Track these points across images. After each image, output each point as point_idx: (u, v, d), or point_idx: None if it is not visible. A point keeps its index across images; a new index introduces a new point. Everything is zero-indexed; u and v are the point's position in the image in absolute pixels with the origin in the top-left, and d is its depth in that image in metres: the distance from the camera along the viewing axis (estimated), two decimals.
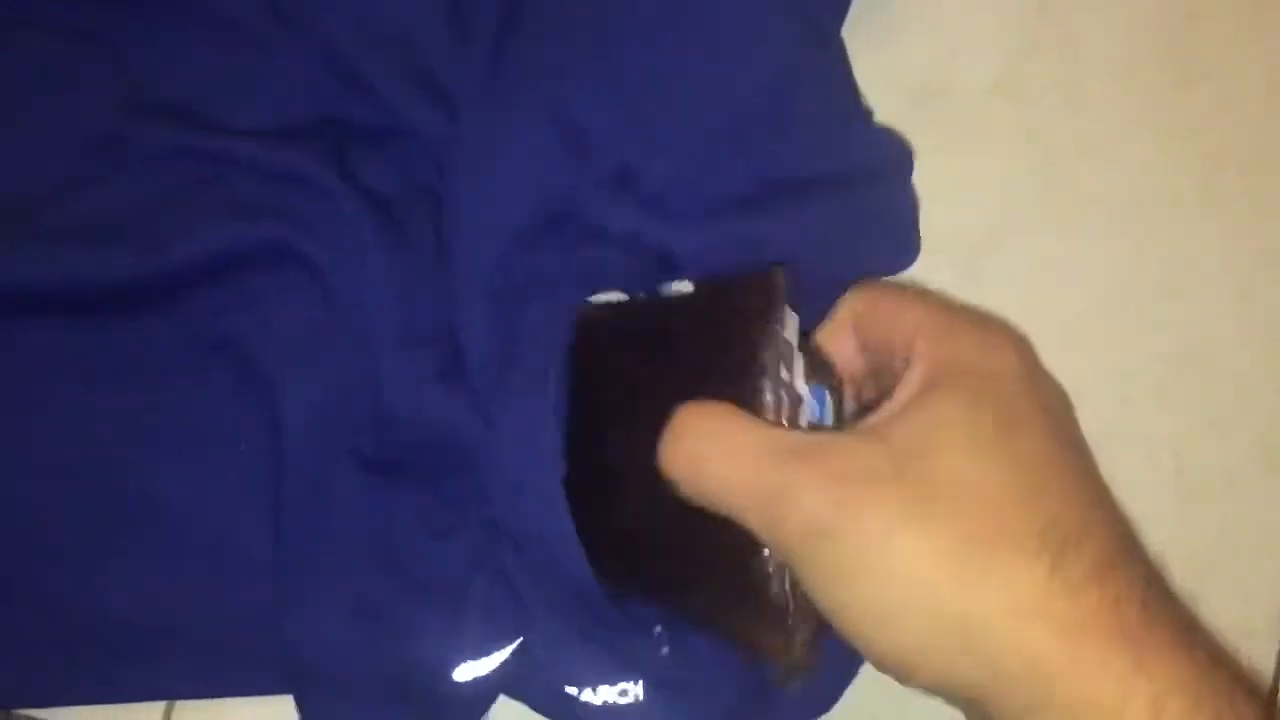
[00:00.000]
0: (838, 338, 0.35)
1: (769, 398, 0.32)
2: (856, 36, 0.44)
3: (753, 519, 0.30)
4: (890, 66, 0.44)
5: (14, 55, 0.40)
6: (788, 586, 0.31)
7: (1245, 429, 0.42)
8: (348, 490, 0.37)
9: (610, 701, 0.37)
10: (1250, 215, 0.44)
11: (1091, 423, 0.42)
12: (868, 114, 0.43)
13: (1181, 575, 0.40)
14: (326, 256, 0.38)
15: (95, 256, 0.38)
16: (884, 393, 0.33)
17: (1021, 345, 0.33)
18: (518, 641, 0.37)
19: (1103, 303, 0.43)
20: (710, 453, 0.31)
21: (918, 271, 0.43)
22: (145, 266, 0.38)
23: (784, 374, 0.33)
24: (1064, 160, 0.44)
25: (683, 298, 0.36)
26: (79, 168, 0.39)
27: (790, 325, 0.33)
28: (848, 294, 0.35)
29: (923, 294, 0.36)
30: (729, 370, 0.33)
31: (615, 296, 0.38)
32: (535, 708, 0.38)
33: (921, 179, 0.44)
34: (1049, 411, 0.32)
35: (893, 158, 0.41)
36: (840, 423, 0.35)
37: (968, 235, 0.43)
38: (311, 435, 0.37)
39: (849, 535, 0.29)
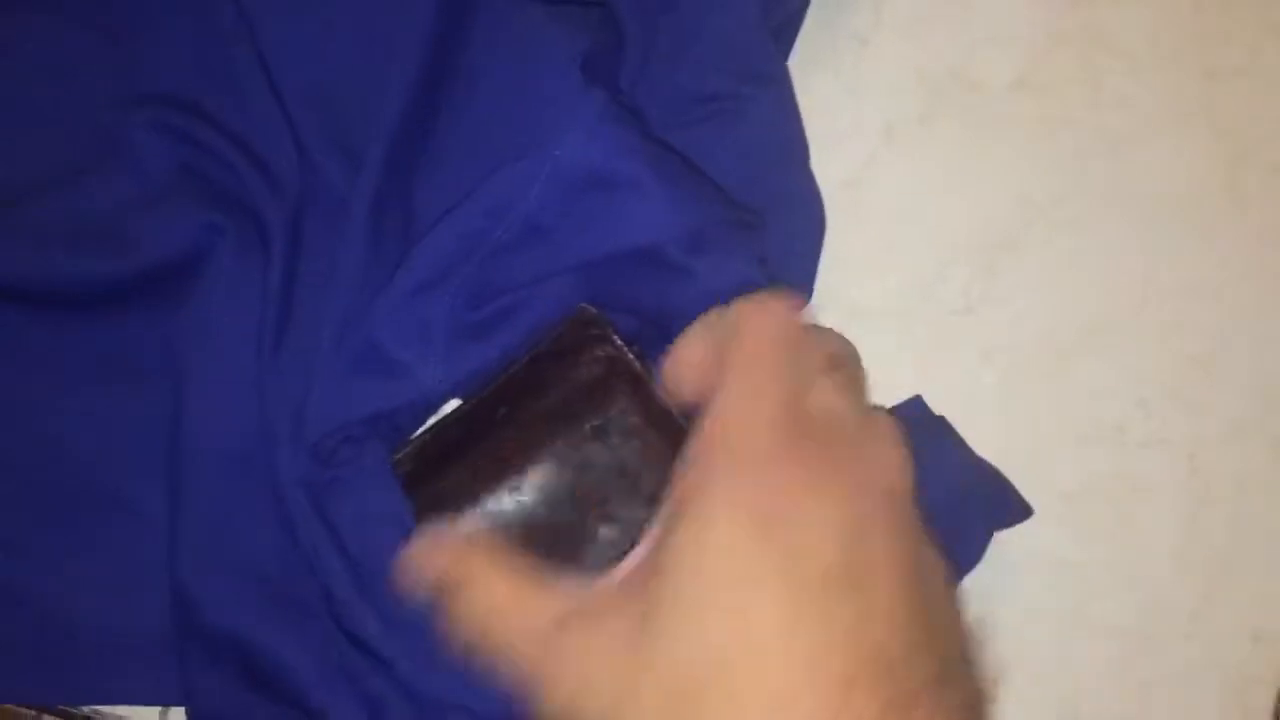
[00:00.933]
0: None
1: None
2: (880, 30, 0.44)
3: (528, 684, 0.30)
4: (913, 60, 0.44)
5: (19, 44, 0.40)
6: None
7: (1263, 432, 0.42)
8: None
9: None
10: (1275, 215, 0.43)
11: (1108, 423, 0.42)
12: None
13: (1196, 579, 0.41)
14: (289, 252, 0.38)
15: (73, 258, 0.38)
16: None
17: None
18: None
19: (1122, 301, 0.43)
20: (486, 631, 0.31)
21: (935, 267, 0.43)
22: (120, 268, 0.38)
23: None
24: (1087, 156, 0.44)
25: (510, 374, 0.37)
26: (73, 159, 0.39)
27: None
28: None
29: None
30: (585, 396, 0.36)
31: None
32: None
33: (942, 174, 0.43)
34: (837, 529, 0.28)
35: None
36: None
37: (987, 231, 0.43)
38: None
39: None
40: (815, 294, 0.42)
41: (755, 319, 0.32)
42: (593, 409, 0.36)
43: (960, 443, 0.40)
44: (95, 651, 0.37)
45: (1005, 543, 0.40)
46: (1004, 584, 0.40)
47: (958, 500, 0.38)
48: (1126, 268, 0.43)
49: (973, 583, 0.39)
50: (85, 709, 0.37)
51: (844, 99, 0.44)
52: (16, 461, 0.38)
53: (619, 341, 0.37)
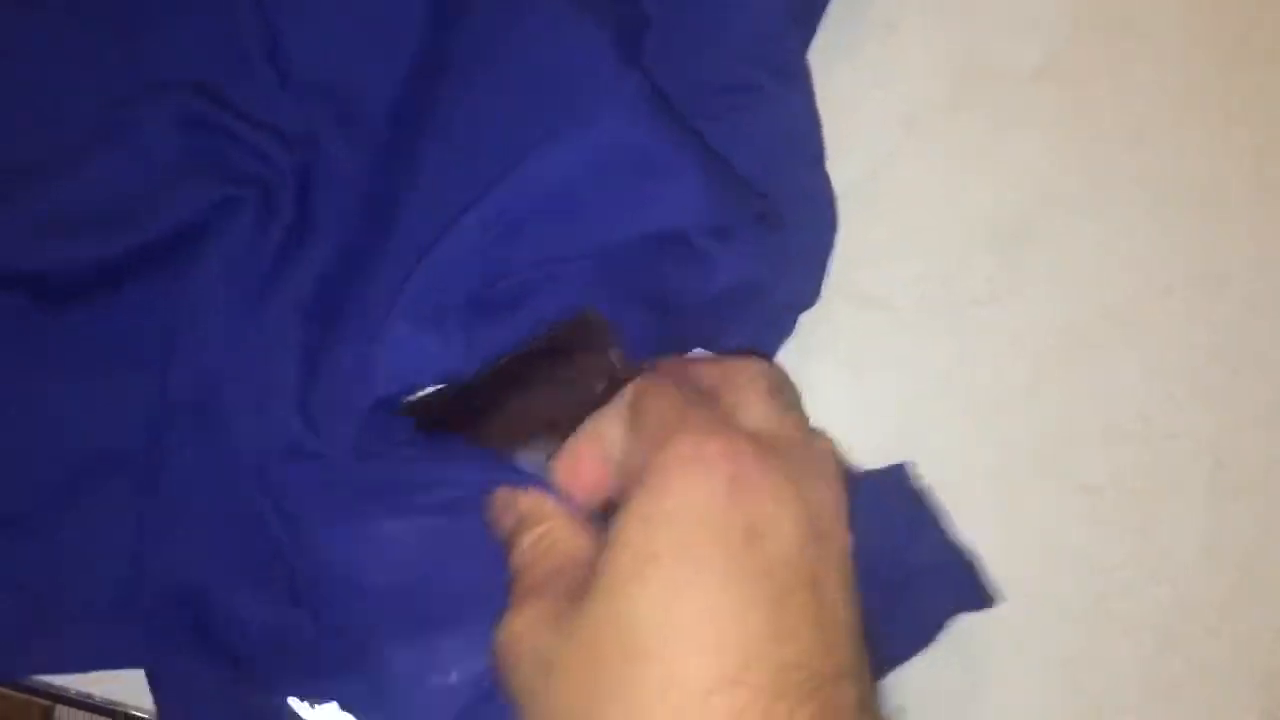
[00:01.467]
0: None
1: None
2: (904, 17, 0.43)
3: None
4: (935, 48, 0.43)
5: (29, 32, 0.40)
6: None
7: None
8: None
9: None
10: None
11: (1129, 415, 0.41)
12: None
13: (1224, 573, 0.40)
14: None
15: (73, 242, 0.37)
16: None
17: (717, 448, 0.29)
18: None
19: (1144, 291, 0.42)
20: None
21: (958, 256, 0.42)
22: (123, 246, 0.37)
23: None
24: (1109, 144, 0.43)
25: (509, 362, 0.36)
26: (78, 144, 0.38)
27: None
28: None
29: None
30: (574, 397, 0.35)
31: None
32: None
33: (964, 161, 0.43)
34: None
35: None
36: None
37: (1008, 219, 0.43)
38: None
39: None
40: (835, 284, 0.41)
41: (654, 383, 0.32)
42: (580, 418, 0.35)
43: (935, 519, 0.38)
44: (66, 619, 0.37)
45: (1032, 537, 0.39)
46: (1028, 579, 0.39)
47: (923, 584, 0.37)
48: (1152, 257, 0.42)
49: (996, 576, 0.39)
50: (98, 698, 0.37)
51: (867, 87, 0.43)
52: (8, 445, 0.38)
53: (622, 354, 0.36)
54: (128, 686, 0.37)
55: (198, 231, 0.37)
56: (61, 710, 0.38)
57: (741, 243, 0.37)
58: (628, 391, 0.32)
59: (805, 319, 0.41)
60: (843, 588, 0.29)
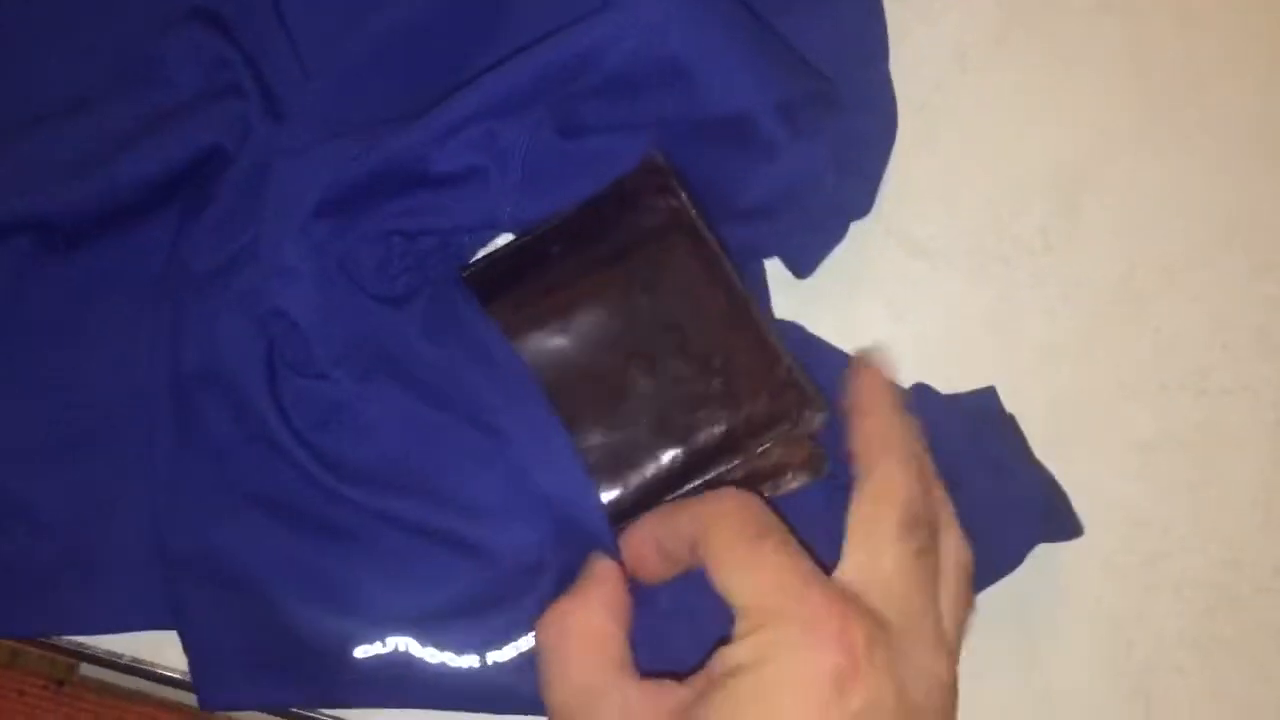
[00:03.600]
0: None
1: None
2: None
3: None
4: None
5: None
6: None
7: None
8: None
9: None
10: None
11: (1185, 369, 0.40)
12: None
13: (1274, 530, 0.39)
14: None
15: (65, 189, 0.36)
16: None
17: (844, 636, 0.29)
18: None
19: (1206, 240, 0.40)
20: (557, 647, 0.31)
21: (1010, 201, 0.40)
22: (147, 174, 0.36)
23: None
24: (1172, 83, 0.41)
25: (572, 213, 0.36)
26: (107, 82, 0.37)
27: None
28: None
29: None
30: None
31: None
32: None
33: (1020, 101, 0.41)
34: None
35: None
36: None
37: (1066, 161, 0.41)
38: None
39: None
40: (883, 228, 0.40)
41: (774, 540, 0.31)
42: (648, 260, 0.35)
43: (1024, 445, 0.38)
44: (93, 567, 0.36)
45: (1082, 493, 0.38)
46: (1079, 538, 0.38)
47: (1009, 504, 0.37)
48: (1212, 205, 0.41)
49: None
50: (126, 656, 0.36)
51: (913, 19, 0.41)
52: (28, 390, 0.37)
53: (684, 195, 0.36)
54: (153, 645, 0.36)
55: (220, 156, 0.37)
56: (86, 668, 0.37)
57: (805, 127, 0.36)
58: (692, 503, 0.32)
59: (852, 263, 0.40)
60: None
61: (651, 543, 0.33)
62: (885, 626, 0.29)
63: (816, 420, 0.34)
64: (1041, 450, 0.38)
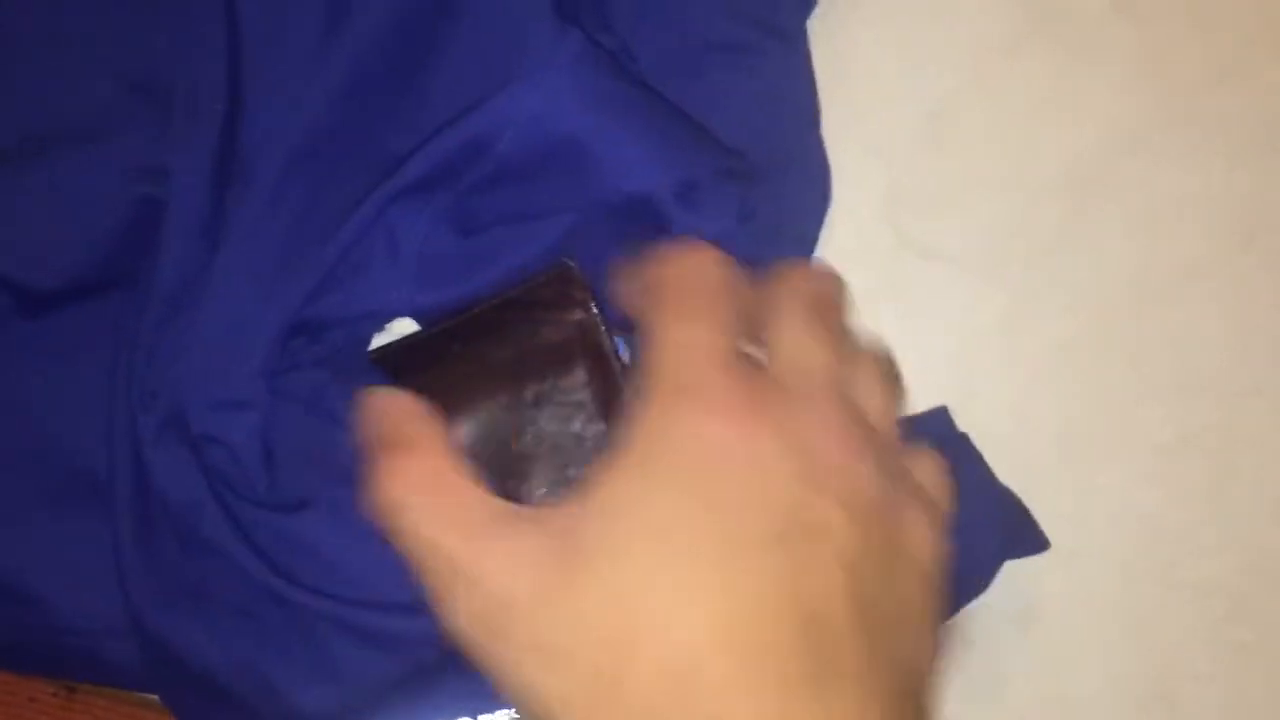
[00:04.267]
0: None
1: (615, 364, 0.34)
2: None
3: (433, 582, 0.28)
4: None
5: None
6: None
7: None
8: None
9: None
10: None
11: (1208, 374, 0.39)
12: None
13: None
14: None
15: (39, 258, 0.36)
16: None
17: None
18: None
19: (1222, 241, 0.40)
20: (410, 504, 0.28)
21: (1024, 204, 0.40)
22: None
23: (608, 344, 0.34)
24: (1187, 84, 0.41)
25: (478, 311, 0.35)
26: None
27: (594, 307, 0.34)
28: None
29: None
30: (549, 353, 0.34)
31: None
32: None
33: (1033, 104, 0.41)
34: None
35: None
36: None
37: (1081, 162, 0.40)
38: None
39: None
40: (895, 232, 0.40)
41: (690, 256, 0.30)
42: (547, 373, 0.34)
43: (980, 463, 0.37)
44: (72, 637, 0.36)
45: (1099, 499, 0.38)
46: (1096, 541, 0.38)
47: (972, 525, 0.35)
48: (1228, 205, 0.40)
49: (1061, 540, 0.38)
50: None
51: (927, 22, 0.41)
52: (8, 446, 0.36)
53: (593, 306, 0.35)
54: None
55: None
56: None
57: (706, 204, 0.35)
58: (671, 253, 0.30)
59: (864, 268, 0.39)
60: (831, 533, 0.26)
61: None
62: (783, 392, 0.28)
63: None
64: (1058, 454, 0.38)
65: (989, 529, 0.36)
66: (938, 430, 0.38)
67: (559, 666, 0.25)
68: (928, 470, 0.30)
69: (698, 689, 0.24)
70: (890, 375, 0.31)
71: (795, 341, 0.29)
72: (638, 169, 0.35)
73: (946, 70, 0.41)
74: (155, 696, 0.36)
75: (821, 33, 0.41)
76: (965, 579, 0.36)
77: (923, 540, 0.28)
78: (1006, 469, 0.37)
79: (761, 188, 0.37)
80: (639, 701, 0.25)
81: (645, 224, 0.35)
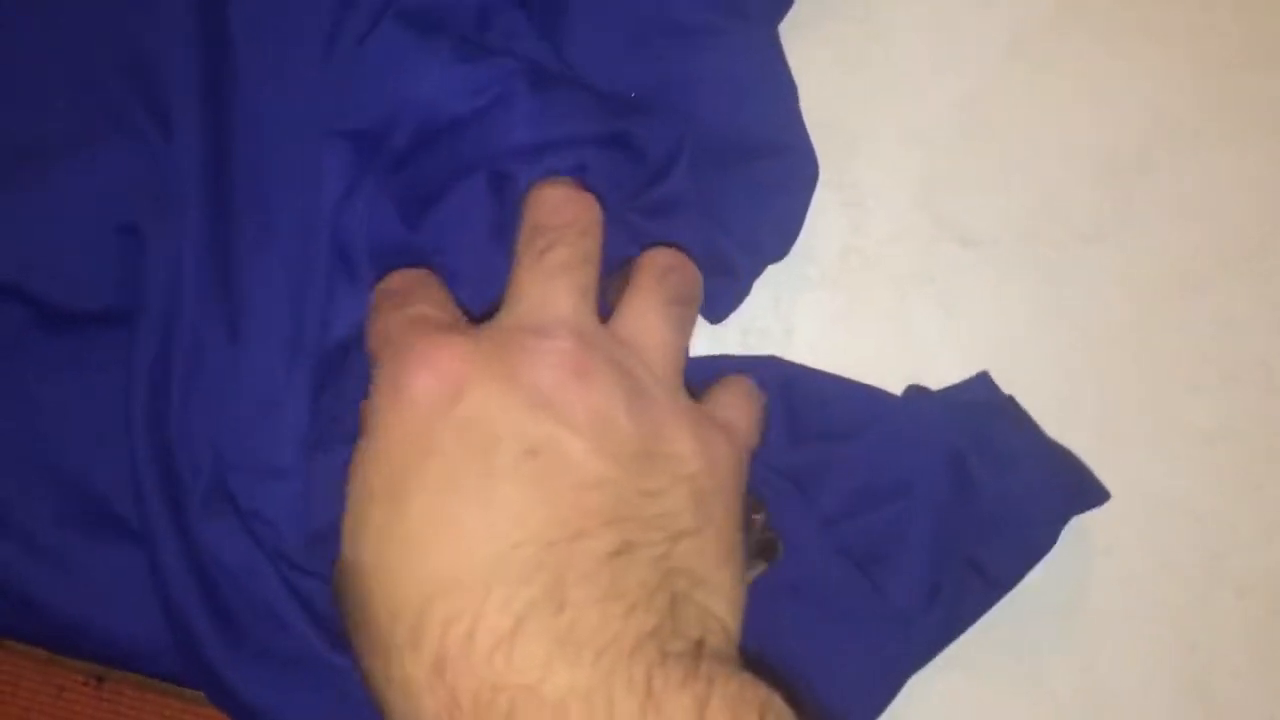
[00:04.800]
0: None
1: None
2: None
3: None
4: None
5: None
6: None
7: None
8: None
9: None
10: None
11: (1250, 362, 0.39)
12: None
13: None
14: None
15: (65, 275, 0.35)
16: None
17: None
18: None
19: (1268, 227, 0.39)
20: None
21: (1063, 189, 0.39)
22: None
23: None
24: (1229, 69, 0.40)
25: None
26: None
27: None
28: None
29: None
30: None
31: None
32: None
33: (1068, 87, 0.40)
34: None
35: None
36: None
37: (1119, 149, 0.40)
38: None
39: None
40: (931, 217, 0.39)
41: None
42: None
43: (1030, 423, 0.37)
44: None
45: (1139, 489, 0.37)
46: (1135, 534, 0.37)
47: (1026, 487, 0.36)
48: (1271, 192, 0.40)
49: (1101, 532, 0.37)
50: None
51: (967, 5, 0.40)
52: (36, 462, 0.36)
53: None
54: None
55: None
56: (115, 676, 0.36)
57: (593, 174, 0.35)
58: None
59: (899, 255, 0.39)
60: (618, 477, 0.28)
61: None
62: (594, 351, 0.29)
63: (758, 520, 0.34)
64: (1099, 444, 0.38)
65: (1047, 487, 0.36)
66: (983, 395, 0.37)
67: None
68: (727, 398, 0.32)
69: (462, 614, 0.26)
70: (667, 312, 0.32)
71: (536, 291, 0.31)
72: (524, 129, 0.35)
73: (985, 54, 0.40)
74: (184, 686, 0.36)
75: (858, 17, 0.40)
76: (1029, 538, 0.36)
77: (688, 453, 0.29)
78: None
79: (735, 173, 0.37)
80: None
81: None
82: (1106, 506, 0.37)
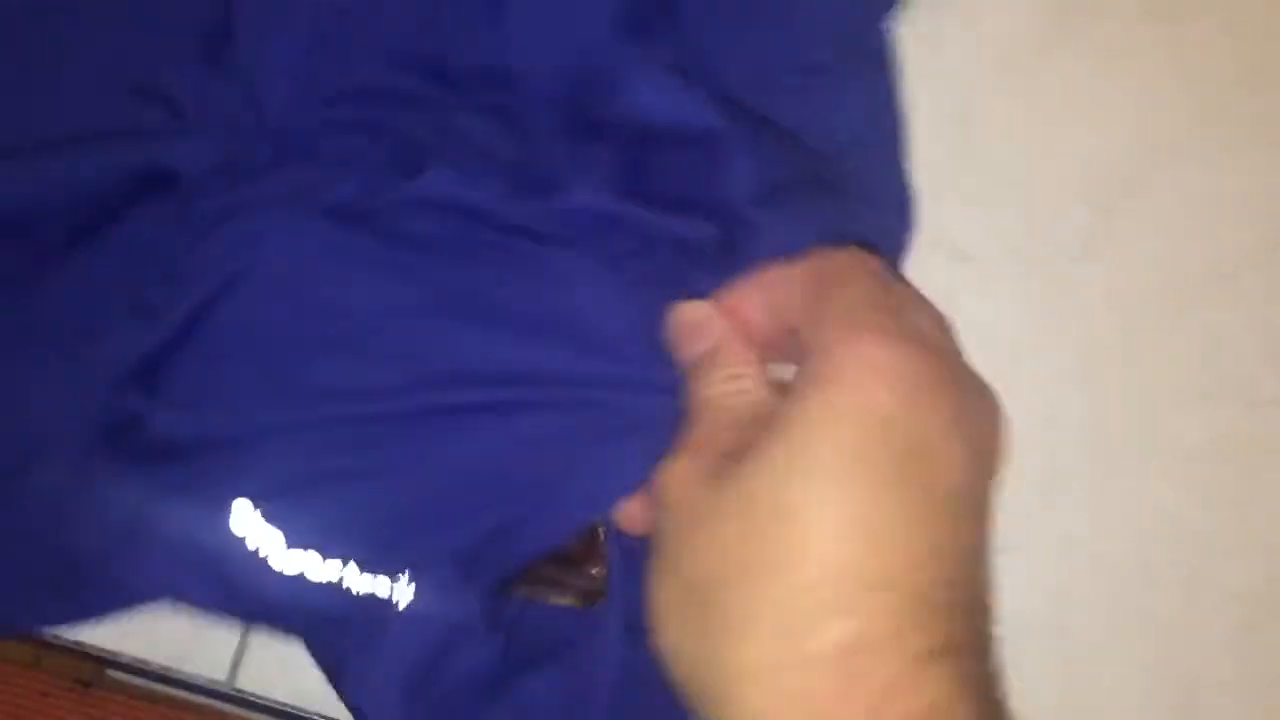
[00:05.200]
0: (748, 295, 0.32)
1: None
2: None
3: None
4: None
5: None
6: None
7: None
8: None
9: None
10: None
11: (1236, 379, 0.39)
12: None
13: None
14: None
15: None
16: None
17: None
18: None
19: (1253, 246, 0.40)
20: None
21: (1051, 207, 0.40)
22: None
23: None
24: (1216, 88, 0.41)
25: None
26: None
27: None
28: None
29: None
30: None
31: None
32: None
33: (1062, 105, 0.40)
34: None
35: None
36: None
37: (1106, 168, 0.40)
38: None
39: None
40: (921, 237, 0.39)
41: (848, 262, 0.31)
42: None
43: None
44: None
45: (1126, 504, 0.38)
46: (1121, 546, 0.38)
47: None
48: (1259, 210, 0.40)
49: (1087, 545, 0.37)
50: (152, 663, 0.35)
51: (955, 24, 0.41)
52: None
53: (606, 566, 0.35)
54: (181, 653, 0.36)
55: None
56: (112, 673, 0.36)
57: (793, 208, 0.34)
58: (813, 259, 0.31)
59: None
60: (986, 517, 0.28)
61: (762, 304, 0.31)
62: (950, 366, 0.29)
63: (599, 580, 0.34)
64: (1085, 458, 0.38)
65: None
66: None
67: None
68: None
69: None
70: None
71: (931, 329, 0.30)
72: (727, 175, 0.34)
73: (977, 71, 0.41)
74: (173, 692, 0.36)
75: None
76: None
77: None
78: (1033, 471, 0.37)
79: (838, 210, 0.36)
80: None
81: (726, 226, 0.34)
82: (1092, 520, 0.37)
